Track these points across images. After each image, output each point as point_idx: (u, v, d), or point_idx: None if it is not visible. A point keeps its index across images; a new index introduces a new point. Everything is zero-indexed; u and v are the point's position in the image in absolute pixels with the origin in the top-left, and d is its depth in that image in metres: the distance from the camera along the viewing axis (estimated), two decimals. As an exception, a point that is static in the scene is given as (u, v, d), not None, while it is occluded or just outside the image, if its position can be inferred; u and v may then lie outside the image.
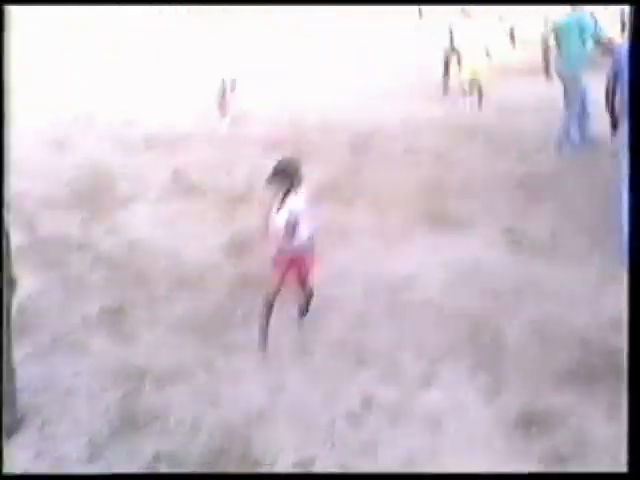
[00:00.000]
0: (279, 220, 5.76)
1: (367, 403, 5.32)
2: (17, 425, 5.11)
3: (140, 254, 8.27)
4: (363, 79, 21.58)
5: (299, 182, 5.79)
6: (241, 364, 5.86)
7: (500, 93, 17.86)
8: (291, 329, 6.29)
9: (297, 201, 5.76)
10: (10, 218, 5.40)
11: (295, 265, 5.96)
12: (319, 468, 4.65)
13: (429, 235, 8.58)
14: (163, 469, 4.63)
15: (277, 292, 5.93)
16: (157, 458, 4.73)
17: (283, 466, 4.67)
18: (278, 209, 5.75)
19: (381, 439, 4.94)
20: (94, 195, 10.54)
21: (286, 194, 5.74)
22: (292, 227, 5.72)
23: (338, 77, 21.96)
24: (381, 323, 6.51)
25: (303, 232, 5.82)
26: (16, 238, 8.60)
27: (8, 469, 4.53)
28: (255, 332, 6.06)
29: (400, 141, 13.54)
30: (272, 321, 5.98)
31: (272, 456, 4.74)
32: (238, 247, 8.26)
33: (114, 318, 6.71)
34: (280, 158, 5.98)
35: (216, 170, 11.69)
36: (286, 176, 5.75)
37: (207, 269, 7.75)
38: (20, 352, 5.97)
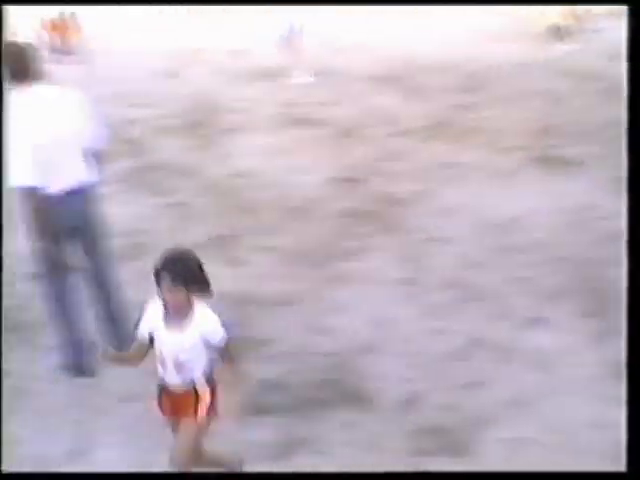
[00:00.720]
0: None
1: (474, 341, 5.16)
2: (128, 343, 5.15)
3: (248, 183, 8.22)
4: (477, 20, 21.02)
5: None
6: (348, 296, 5.76)
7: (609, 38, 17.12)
8: (398, 264, 6.15)
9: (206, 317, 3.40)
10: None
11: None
12: (424, 404, 4.53)
13: (540, 177, 8.27)
14: (269, 396, 4.58)
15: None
16: (264, 384, 4.68)
17: (388, 401, 4.57)
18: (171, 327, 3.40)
19: (487, 377, 4.78)
20: (204, 124, 10.55)
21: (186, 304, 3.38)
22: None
23: (452, 17, 21.44)
24: (490, 262, 6.30)
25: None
26: (127, 164, 8.76)
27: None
28: (364, 264, 5.94)
29: (513, 82, 13.13)
30: (382, 256, 5.81)
31: (377, 390, 4.64)
32: (345, 181, 8.12)
33: (222, 244, 6.70)
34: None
35: (325, 103, 11.54)
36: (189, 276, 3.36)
37: (314, 201, 7.65)
38: (130, 274, 6.03)
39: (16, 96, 4.53)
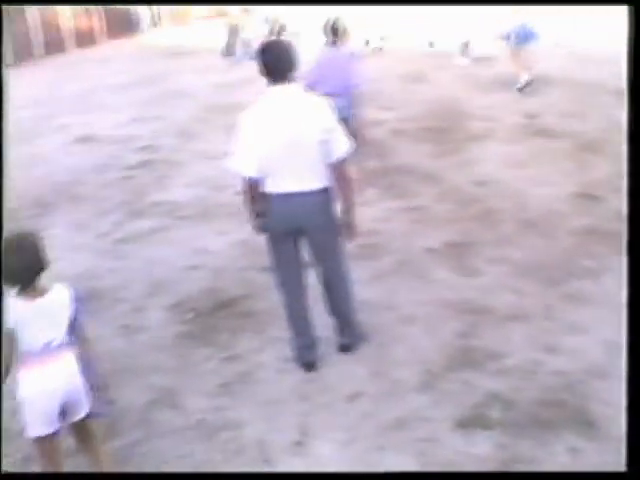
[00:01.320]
0: None
1: None
2: (355, 342, 5.30)
3: (487, 192, 8.18)
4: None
5: None
6: (582, 316, 5.60)
7: None
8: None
9: None
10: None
11: None
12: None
13: None
14: (493, 410, 4.55)
15: None
16: (490, 398, 4.66)
17: (617, 431, 4.39)
18: None
19: None
20: (448, 130, 10.60)
21: None
22: None
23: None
24: None
25: None
26: (370, 165, 8.97)
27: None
28: (600, 285, 5.76)
29: None
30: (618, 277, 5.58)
31: (607, 417, 4.47)
32: (584, 197, 7.88)
33: (455, 252, 6.72)
34: None
35: (569, 115, 11.23)
36: None
37: (552, 215, 7.47)
38: (363, 273, 6.20)
39: (267, 91, 4.74)
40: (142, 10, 26.25)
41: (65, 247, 7.68)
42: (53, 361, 3.77)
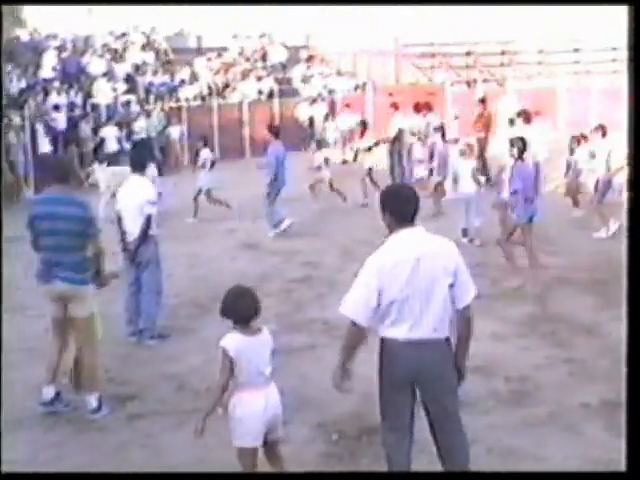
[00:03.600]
0: None
1: None
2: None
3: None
4: None
5: None
6: None
7: None
8: None
9: None
10: None
11: None
12: None
13: None
14: None
15: None
16: None
17: None
18: None
19: None
20: (609, 282, 10.51)
21: None
22: None
23: None
24: None
25: None
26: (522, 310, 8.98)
27: None
28: None
29: None
30: None
31: None
32: None
33: (613, 410, 6.55)
34: None
35: None
36: None
37: None
38: (512, 419, 6.23)
39: (395, 235, 4.90)
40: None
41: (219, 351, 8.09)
42: (263, 389, 5.02)
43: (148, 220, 8.73)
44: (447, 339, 4.91)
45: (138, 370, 8.08)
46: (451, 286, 4.81)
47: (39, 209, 7.16)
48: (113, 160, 18.33)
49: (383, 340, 4.92)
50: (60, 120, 22.34)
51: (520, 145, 10.06)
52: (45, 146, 21.08)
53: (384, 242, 4.95)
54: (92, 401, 7.10)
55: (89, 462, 6.15)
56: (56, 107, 22.47)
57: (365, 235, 13.49)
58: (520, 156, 10.09)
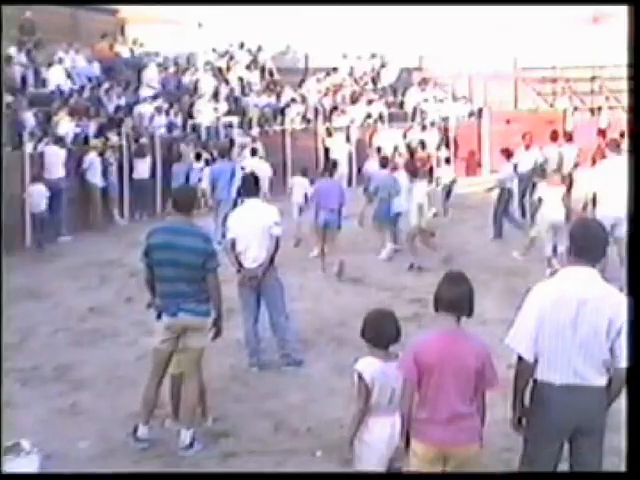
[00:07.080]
0: None
1: None
2: None
3: None
4: None
5: None
6: None
7: None
8: None
9: None
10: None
11: None
12: None
13: None
14: None
15: None
16: None
17: None
18: None
19: None
20: None
21: None
22: None
23: None
24: None
25: None
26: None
27: None
28: None
29: None
30: None
31: None
32: None
33: None
34: None
35: None
36: None
37: None
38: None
39: (564, 270, 4.96)
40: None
41: (321, 389, 8.08)
42: (391, 416, 5.18)
43: (277, 242, 8.84)
44: (607, 388, 4.81)
45: (234, 406, 8.11)
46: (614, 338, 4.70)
47: (160, 238, 7.24)
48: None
49: (534, 383, 4.89)
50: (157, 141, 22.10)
51: None
52: (140, 166, 20.98)
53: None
54: (186, 437, 7.14)
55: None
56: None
57: (481, 275, 13.20)
58: None
